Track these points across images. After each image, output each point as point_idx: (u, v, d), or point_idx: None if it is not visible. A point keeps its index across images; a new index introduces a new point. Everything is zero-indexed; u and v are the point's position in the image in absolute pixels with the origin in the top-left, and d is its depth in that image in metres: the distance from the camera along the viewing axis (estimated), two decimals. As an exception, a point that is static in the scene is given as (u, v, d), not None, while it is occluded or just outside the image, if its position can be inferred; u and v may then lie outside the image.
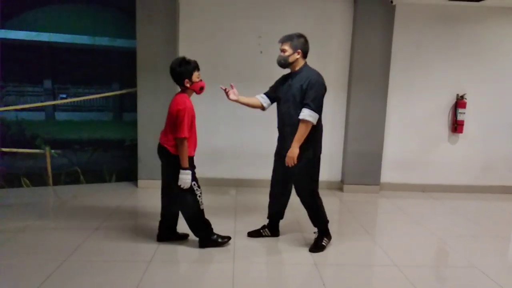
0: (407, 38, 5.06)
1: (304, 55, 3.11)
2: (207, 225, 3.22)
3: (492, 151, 5.33)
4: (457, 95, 5.18)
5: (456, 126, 5.17)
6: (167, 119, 3.08)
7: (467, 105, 5.13)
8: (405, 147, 5.26)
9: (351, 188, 5.11)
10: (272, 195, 3.43)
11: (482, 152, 5.33)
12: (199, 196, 3.12)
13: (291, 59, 3.07)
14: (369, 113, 5.01)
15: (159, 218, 3.33)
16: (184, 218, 3.19)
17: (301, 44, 3.06)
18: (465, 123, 5.15)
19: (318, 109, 2.98)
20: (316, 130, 3.08)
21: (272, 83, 3.36)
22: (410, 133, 5.24)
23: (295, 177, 3.17)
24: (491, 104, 5.25)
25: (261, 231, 3.52)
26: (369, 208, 4.59)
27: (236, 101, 3.21)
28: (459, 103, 5.13)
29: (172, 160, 3.01)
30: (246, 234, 3.50)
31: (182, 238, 3.37)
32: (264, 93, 3.32)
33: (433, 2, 4.89)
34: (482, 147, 5.32)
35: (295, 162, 3.00)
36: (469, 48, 5.13)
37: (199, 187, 3.14)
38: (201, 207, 3.14)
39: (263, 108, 3.30)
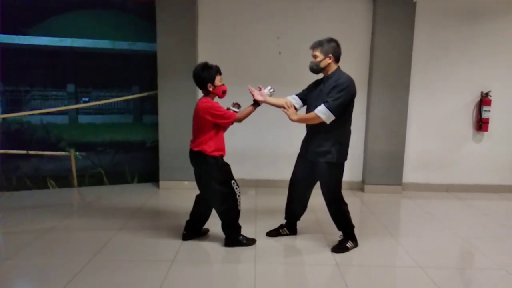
0: (429, 36, 4.96)
1: (336, 59, 3.07)
2: (238, 226, 3.27)
3: (518, 150, 5.18)
4: (482, 92, 5.05)
5: (481, 124, 5.04)
6: (194, 124, 3.14)
7: (492, 103, 4.99)
8: (428, 146, 5.16)
9: (372, 188, 5.05)
10: (290, 197, 3.43)
11: (508, 151, 5.18)
12: (238, 196, 3.17)
13: (322, 65, 3.05)
14: (390, 112, 4.94)
15: (181, 218, 3.35)
16: (218, 214, 3.21)
17: (332, 48, 3.03)
18: (490, 121, 5.02)
19: (335, 109, 2.92)
20: (341, 134, 3.07)
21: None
22: (433, 131, 5.14)
23: (320, 179, 3.16)
24: (517, 101, 5.11)
25: (280, 230, 3.53)
26: (391, 209, 4.53)
27: (264, 102, 3.19)
28: (484, 100, 5.00)
29: (208, 161, 3.07)
30: (265, 236, 3.50)
31: (204, 234, 3.45)
32: (296, 94, 3.31)
33: (455, -2, 4.80)
34: (508, 146, 5.17)
35: (288, 113, 3.07)
36: (493, 44, 4.99)
37: (238, 186, 3.19)
38: (239, 207, 3.19)
39: (294, 109, 3.28)
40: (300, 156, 3.32)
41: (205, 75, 3.05)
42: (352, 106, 3.10)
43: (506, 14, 4.94)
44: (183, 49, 4.85)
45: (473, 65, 5.03)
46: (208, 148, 3.06)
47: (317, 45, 3.06)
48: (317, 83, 3.21)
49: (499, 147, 5.17)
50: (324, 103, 2.95)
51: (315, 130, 3.10)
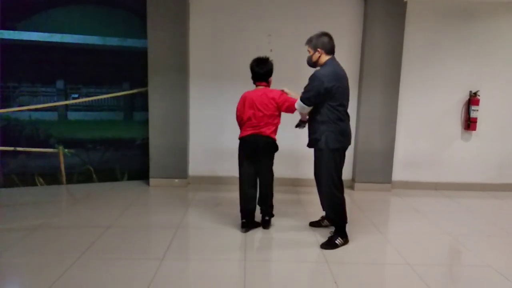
0: (419, 35, 5.00)
1: (327, 51, 3.20)
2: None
3: (506, 149, 5.25)
4: (470, 92, 5.11)
5: (469, 124, 5.10)
6: (262, 110, 3.36)
7: (480, 102, 5.06)
8: (417, 144, 5.21)
9: (362, 186, 5.08)
10: (317, 190, 3.50)
11: (496, 150, 5.25)
12: None
13: (314, 58, 3.23)
14: (380, 110, 4.97)
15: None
16: (270, 193, 3.58)
17: (321, 42, 3.18)
18: (478, 121, 5.08)
19: (306, 100, 3.14)
20: (330, 121, 3.12)
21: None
22: (422, 130, 5.19)
23: (315, 166, 3.29)
24: (505, 100, 5.17)
25: (321, 221, 3.69)
26: (381, 207, 4.56)
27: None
28: (472, 100, 5.06)
29: (273, 145, 3.48)
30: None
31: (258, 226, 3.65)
32: None
33: (445, -2, 4.84)
34: (496, 145, 5.24)
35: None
36: (482, 44, 5.05)
37: None
38: None
39: None
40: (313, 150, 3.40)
41: (271, 68, 3.43)
42: (338, 96, 3.11)
43: (496, 14, 5.00)
44: (174, 46, 4.82)
45: (462, 64, 5.09)
46: (275, 134, 3.47)
47: (308, 41, 3.26)
48: None
49: (487, 146, 5.24)
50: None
51: (310, 120, 3.28)
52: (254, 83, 3.48)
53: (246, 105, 3.42)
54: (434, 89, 5.12)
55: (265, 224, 3.60)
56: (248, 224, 3.51)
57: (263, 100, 3.36)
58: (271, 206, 3.64)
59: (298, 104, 3.20)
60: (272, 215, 3.67)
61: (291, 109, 3.39)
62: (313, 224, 3.70)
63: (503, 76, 5.12)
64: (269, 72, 3.44)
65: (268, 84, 3.48)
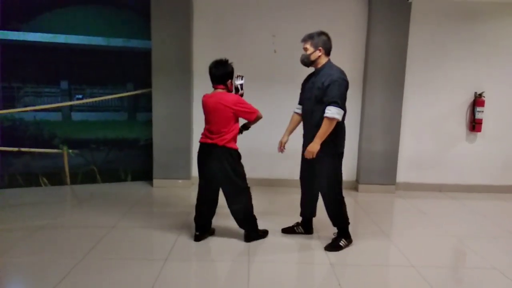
0: (424, 36, 4.98)
1: (326, 52, 3.11)
2: (255, 219, 3.35)
3: (511, 150, 5.21)
4: (475, 93, 5.08)
5: (474, 125, 5.07)
6: (213, 118, 3.14)
7: (486, 103, 5.02)
8: (422, 146, 5.19)
9: (366, 187, 5.06)
10: (302, 193, 3.46)
11: (501, 151, 5.22)
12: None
13: (312, 57, 3.10)
14: (384, 111, 4.95)
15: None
16: (236, 210, 3.27)
17: (322, 41, 3.08)
18: (483, 122, 5.05)
19: (343, 105, 2.97)
20: (338, 126, 3.03)
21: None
22: (427, 132, 5.17)
23: (317, 172, 3.16)
24: (510, 102, 5.14)
25: (295, 228, 3.55)
26: (385, 208, 4.54)
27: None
28: (478, 101, 5.03)
29: (231, 154, 3.16)
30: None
31: (213, 234, 3.45)
32: (298, 103, 3.36)
33: (450, -2, 4.82)
34: (501, 146, 5.21)
35: (314, 157, 3.01)
36: (487, 45, 5.02)
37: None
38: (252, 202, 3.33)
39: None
40: (302, 152, 3.30)
41: (230, 70, 3.17)
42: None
43: (501, 15, 4.97)
44: (178, 47, 4.83)
45: (467, 65, 5.06)
46: (234, 142, 3.18)
47: (308, 38, 3.12)
48: (308, 77, 3.24)
49: (492, 147, 5.20)
50: (332, 104, 2.91)
51: (309, 126, 3.16)
52: (213, 86, 3.23)
53: (203, 110, 3.23)
54: (439, 90, 5.09)
55: (246, 238, 3.34)
56: (201, 236, 3.32)
57: (217, 107, 3.10)
58: (253, 230, 3.36)
59: (340, 114, 2.93)
60: (257, 238, 3.37)
61: (249, 118, 3.21)
62: (287, 231, 3.53)
63: (508, 77, 5.09)
64: (227, 75, 3.17)
65: (226, 87, 3.21)
